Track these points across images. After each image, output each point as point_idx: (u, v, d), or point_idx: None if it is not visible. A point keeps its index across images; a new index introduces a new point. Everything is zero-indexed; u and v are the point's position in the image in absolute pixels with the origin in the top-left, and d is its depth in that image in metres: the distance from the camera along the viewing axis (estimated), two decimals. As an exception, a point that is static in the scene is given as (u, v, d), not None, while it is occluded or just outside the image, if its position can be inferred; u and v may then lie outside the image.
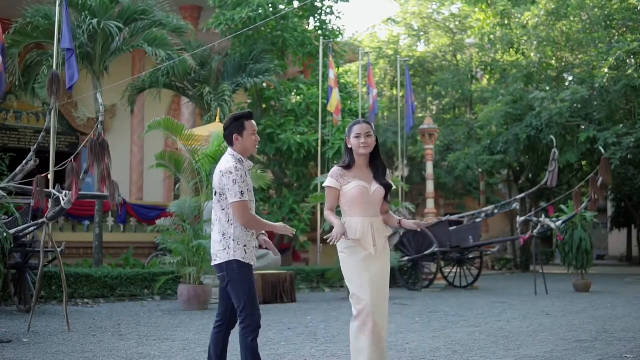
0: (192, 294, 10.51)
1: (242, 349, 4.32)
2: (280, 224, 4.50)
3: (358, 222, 4.57)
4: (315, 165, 16.84)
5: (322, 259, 16.21)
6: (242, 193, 4.31)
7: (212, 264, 4.47)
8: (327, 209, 4.66)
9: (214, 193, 4.44)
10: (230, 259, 4.35)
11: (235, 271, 4.35)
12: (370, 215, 4.60)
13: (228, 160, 4.39)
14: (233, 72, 16.33)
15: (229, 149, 4.46)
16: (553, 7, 20.69)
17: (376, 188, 4.61)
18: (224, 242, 4.37)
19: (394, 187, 4.87)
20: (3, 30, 9.44)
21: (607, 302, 11.83)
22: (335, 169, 4.66)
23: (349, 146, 4.64)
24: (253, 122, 4.47)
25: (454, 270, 16.08)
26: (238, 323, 4.37)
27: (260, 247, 4.65)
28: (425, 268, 15.54)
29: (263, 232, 4.62)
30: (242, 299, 4.33)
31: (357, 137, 4.59)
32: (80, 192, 7.56)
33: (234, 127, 4.42)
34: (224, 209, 4.38)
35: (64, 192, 7.70)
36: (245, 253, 4.37)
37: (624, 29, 20.92)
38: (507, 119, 21.63)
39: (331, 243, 4.49)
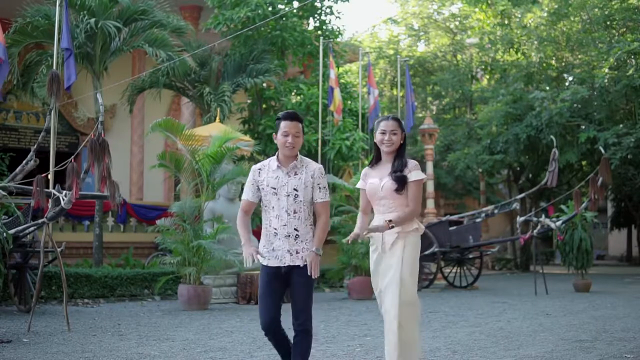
0: (192, 294, 10.50)
1: None
2: (249, 249, 4.37)
3: (375, 219, 4.61)
4: (315, 166, 16.81)
5: (322, 259, 16.13)
6: (245, 192, 4.49)
7: None
8: (359, 210, 4.77)
9: None
10: None
11: None
12: (383, 212, 4.54)
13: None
14: (233, 72, 16.32)
15: None
16: (555, 6, 20.70)
17: (385, 182, 4.52)
18: None
19: (416, 179, 4.50)
20: (3, 30, 9.43)
21: (607, 302, 11.83)
22: (364, 170, 4.75)
23: (375, 141, 4.65)
24: (288, 122, 4.39)
25: (454, 270, 16.08)
26: None
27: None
28: (425, 268, 15.53)
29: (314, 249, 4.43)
30: None
31: (383, 133, 4.57)
32: (80, 192, 7.56)
33: (275, 127, 4.51)
34: None
35: (64, 192, 7.70)
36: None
37: (624, 29, 20.93)
38: (507, 118, 21.63)
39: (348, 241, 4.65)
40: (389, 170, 4.55)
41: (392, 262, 4.50)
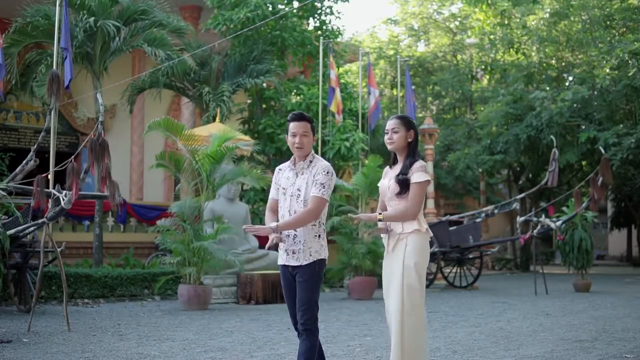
0: (192, 294, 10.50)
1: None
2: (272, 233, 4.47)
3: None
4: (315, 166, 16.80)
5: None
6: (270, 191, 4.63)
7: None
8: (378, 207, 4.72)
9: None
10: None
11: None
12: None
13: None
14: (233, 72, 16.32)
15: None
16: (557, 7, 20.71)
17: (390, 183, 4.49)
18: None
19: (418, 181, 4.41)
20: (2, 30, 9.44)
21: (607, 302, 11.83)
22: (385, 168, 4.72)
23: None
24: (296, 123, 4.46)
25: (454, 270, 16.08)
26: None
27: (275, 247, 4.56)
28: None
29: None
30: None
31: (386, 133, 4.57)
32: (80, 192, 7.56)
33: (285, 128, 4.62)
34: None
35: (64, 192, 7.70)
36: (278, 252, 4.57)
37: (624, 29, 20.94)
38: (507, 118, 21.64)
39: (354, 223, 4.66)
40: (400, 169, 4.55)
41: (395, 267, 4.42)
